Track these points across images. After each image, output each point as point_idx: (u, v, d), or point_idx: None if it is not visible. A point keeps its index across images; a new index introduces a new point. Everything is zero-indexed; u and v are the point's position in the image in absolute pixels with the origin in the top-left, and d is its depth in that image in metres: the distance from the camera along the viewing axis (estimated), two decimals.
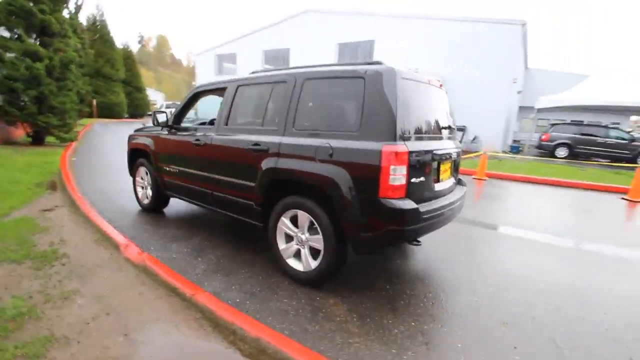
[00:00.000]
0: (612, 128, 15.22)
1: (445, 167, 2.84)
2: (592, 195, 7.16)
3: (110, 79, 23.88)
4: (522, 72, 17.45)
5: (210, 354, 1.83)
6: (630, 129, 20.89)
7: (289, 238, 2.83)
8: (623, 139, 13.87)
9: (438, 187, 2.72)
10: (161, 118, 3.84)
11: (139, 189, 4.59)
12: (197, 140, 3.44)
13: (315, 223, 2.56)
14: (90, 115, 21.27)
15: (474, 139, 16.47)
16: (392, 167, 2.20)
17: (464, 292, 2.71)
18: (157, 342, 1.88)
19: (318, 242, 2.58)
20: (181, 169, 3.72)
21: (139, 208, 4.57)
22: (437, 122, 2.82)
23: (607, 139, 13.94)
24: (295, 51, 22.18)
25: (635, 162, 13.09)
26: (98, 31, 22.98)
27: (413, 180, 2.36)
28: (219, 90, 3.67)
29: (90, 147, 10.13)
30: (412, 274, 2.97)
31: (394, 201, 2.24)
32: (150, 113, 35.25)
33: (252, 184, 2.93)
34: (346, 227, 2.39)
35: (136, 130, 4.73)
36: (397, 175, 2.22)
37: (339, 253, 2.50)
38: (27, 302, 2.15)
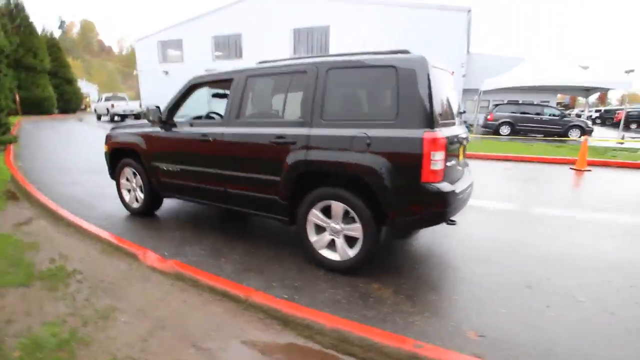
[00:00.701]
0: (545, 106, 17.03)
1: (461, 150, 3.03)
2: (545, 167, 8.06)
3: (33, 70, 21.03)
4: (465, 56, 18.68)
5: (291, 351, 1.83)
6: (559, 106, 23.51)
7: (320, 229, 2.84)
8: (555, 115, 15.62)
9: (459, 168, 2.91)
10: (152, 114, 3.53)
11: (124, 193, 4.23)
12: (204, 135, 3.25)
13: (353, 212, 2.60)
14: (15, 113, 18.63)
15: None
16: (432, 152, 2.31)
17: (479, 262, 2.96)
18: (232, 348, 1.82)
19: (355, 230, 2.63)
20: (183, 167, 3.49)
21: (127, 213, 4.22)
22: (453, 108, 2.97)
23: (542, 116, 15.59)
24: (248, 37, 21.38)
25: (567, 136, 14.88)
26: (16, 15, 19.96)
27: (447, 164, 2.49)
28: (221, 82, 3.49)
29: (32, 150, 8.96)
30: (422, 253, 3.15)
31: (435, 185, 2.36)
32: (83, 108, 31.98)
33: (276, 178, 2.87)
34: (389, 213, 2.47)
35: (114, 129, 4.31)
36: (437, 160, 2.34)
37: (377, 239, 2.58)
38: (64, 327, 1.92)
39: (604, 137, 15.27)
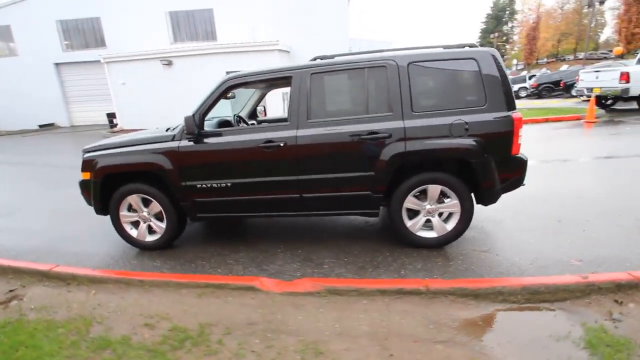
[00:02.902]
0: None
1: None
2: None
3: None
4: (348, 41, 20.23)
5: (503, 315, 2.08)
6: None
7: (413, 213, 3.05)
8: None
9: None
10: (189, 125, 2.92)
11: (128, 227, 3.40)
12: (270, 142, 2.94)
13: (450, 191, 2.91)
14: None
15: None
16: (519, 129, 2.80)
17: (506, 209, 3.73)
18: (463, 333, 1.95)
19: (452, 206, 2.95)
20: (237, 181, 3.07)
21: (130, 248, 3.43)
22: None
23: None
24: (110, 21, 17.93)
25: None
26: None
27: None
28: (269, 81, 3.16)
29: None
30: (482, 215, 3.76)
31: (519, 155, 2.89)
32: None
33: (367, 174, 2.90)
34: (485, 185, 2.87)
35: (95, 150, 3.34)
36: (521, 135, 2.85)
37: (473, 210, 2.98)
38: None
39: None
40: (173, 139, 3.13)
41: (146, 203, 3.33)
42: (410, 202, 2.98)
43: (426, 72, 2.87)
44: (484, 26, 63.09)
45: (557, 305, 2.17)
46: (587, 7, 28.12)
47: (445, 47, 3.01)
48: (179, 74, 15.06)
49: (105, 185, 3.30)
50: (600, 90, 10.91)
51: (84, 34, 18.06)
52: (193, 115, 2.97)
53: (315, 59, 3.09)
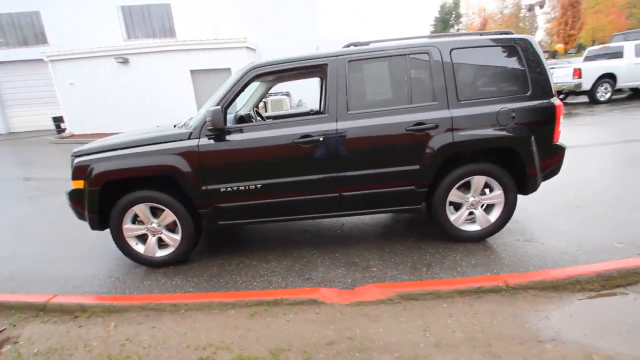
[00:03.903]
0: None
1: None
2: None
3: None
4: (318, 39, 19.90)
5: (591, 304, 2.01)
6: None
7: (456, 206, 2.93)
8: None
9: None
10: (216, 119, 2.53)
11: (133, 242, 2.91)
12: (307, 136, 2.65)
13: (495, 181, 2.82)
14: None
15: (298, 102, 18.20)
16: (560, 117, 2.79)
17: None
18: (568, 326, 1.83)
19: (496, 198, 2.87)
20: (268, 181, 2.73)
21: (134, 265, 2.96)
22: None
23: None
24: (51, 16, 16.14)
25: None
26: None
27: None
28: (303, 70, 2.86)
29: None
30: None
31: (559, 143, 2.87)
32: None
33: (412, 167, 2.73)
34: (531, 172, 2.81)
35: (89, 153, 2.81)
36: (561, 123, 2.83)
37: (516, 201, 2.91)
38: None
39: None
40: (190, 136, 2.72)
41: (155, 213, 2.88)
42: (454, 195, 2.86)
43: (468, 59, 2.75)
44: (433, 29, 66.44)
45: (630, 289, 2.15)
46: (528, 11, 30.66)
47: (481, 34, 2.92)
48: (137, 72, 13.91)
49: (105, 195, 2.79)
50: (557, 86, 11.84)
51: (21, 29, 16.01)
52: (220, 108, 2.58)
53: (348, 46, 2.84)
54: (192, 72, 13.93)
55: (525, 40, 2.77)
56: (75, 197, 2.85)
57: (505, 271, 2.48)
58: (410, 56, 2.71)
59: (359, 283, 2.45)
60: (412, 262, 2.72)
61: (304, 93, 17.74)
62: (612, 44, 12.13)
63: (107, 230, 2.90)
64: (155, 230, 2.89)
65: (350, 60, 2.70)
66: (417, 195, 2.83)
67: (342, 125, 2.66)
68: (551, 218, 3.33)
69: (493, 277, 2.25)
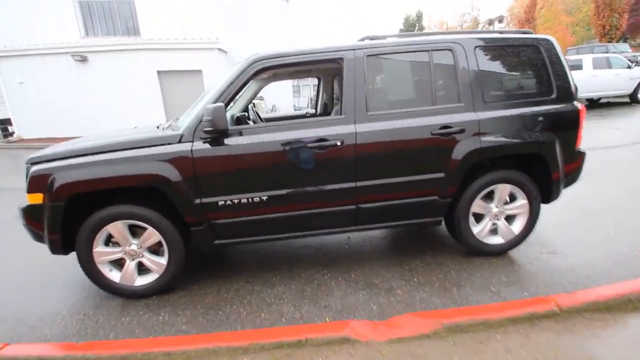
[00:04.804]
0: None
1: None
2: None
3: None
4: (288, 42, 19.57)
5: (630, 327, 1.82)
6: None
7: (478, 218, 2.70)
8: None
9: None
10: (219, 119, 2.11)
11: (106, 269, 2.39)
12: (322, 140, 2.29)
13: (520, 190, 2.62)
14: None
15: (272, 107, 17.73)
16: (583, 121, 2.65)
17: None
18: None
19: (519, 208, 2.67)
20: (277, 192, 2.34)
21: (114, 298, 2.43)
22: None
23: None
24: None
25: None
26: None
27: None
28: (313, 64, 2.50)
29: None
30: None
31: (581, 148, 2.74)
32: None
33: (437, 175, 2.46)
34: (554, 178, 2.64)
35: (51, 160, 2.26)
36: (583, 127, 2.70)
37: (539, 210, 2.73)
38: None
39: None
40: (180, 139, 2.27)
41: (134, 232, 2.38)
42: (477, 205, 2.62)
43: (492, 58, 2.54)
44: None
45: None
46: (489, 24, 32.54)
47: (501, 32, 2.74)
48: (97, 72, 12.82)
49: (70, 211, 2.25)
50: None
51: None
52: (222, 105, 2.15)
53: (364, 39, 2.54)
54: (160, 73, 13.06)
55: (548, 41, 2.62)
56: (31, 215, 2.28)
57: (541, 289, 2.27)
58: (433, 52, 2.46)
59: (386, 310, 2.12)
60: (438, 281, 2.44)
61: (278, 98, 17.39)
62: (571, 57, 12.91)
63: (74, 254, 2.36)
64: (134, 253, 2.38)
65: (369, 55, 2.39)
66: (439, 206, 2.56)
67: (361, 127, 2.34)
68: (565, 226, 3.20)
69: (542, 300, 2.01)
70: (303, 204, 2.41)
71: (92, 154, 2.25)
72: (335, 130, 2.33)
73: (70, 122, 12.47)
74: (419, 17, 65.20)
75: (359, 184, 2.40)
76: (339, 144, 2.31)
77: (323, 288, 2.43)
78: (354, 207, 2.46)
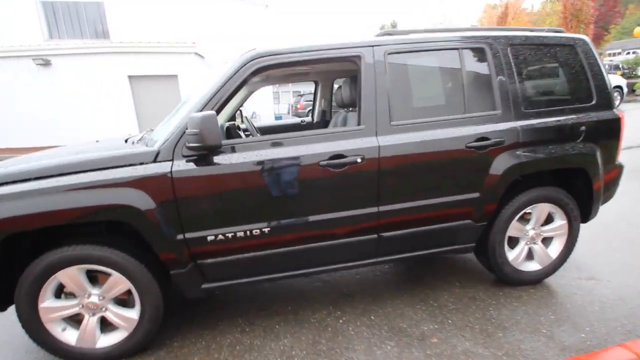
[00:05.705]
0: None
1: None
2: None
3: None
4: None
5: None
6: None
7: (513, 242, 2.34)
8: None
9: None
10: (212, 135, 1.62)
11: (57, 328, 1.82)
12: (339, 157, 1.85)
13: (560, 209, 2.28)
14: None
15: (252, 114, 17.16)
16: (622, 131, 2.36)
17: None
18: None
19: (557, 229, 2.34)
20: (280, 222, 1.87)
21: None
22: None
23: None
24: None
25: None
26: None
27: None
28: (322, 63, 2.06)
29: None
30: None
31: (619, 162, 2.44)
32: None
33: (472, 195, 2.08)
34: (596, 197, 2.32)
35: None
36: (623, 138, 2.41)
37: (578, 232, 2.40)
38: None
39: None
40: (156, 158, 1.75)
41: (94, 277, 1.83)
42: (514, 228, 2.26)
43: (528, 59, 2.19)
44: None
45: None
46: None
47: (532, 30, 2.41)
48: (62, 77, 11.85)
49: (6, 254, 1.68)
50: None
51: None
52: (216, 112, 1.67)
53: (382, 35, 2.13)
54: (131, 78, 12.23)
55: (584, 41, 2.31)
56: None
57: (598, 328, 1.92)
58: (458, 51, 2.08)
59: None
60: (478, 323, 2.03)
61: (257, 104, 16.83)
62: None
63: (12, 309, 1.78)
64: (95, 306, 1.82)
65: (390, 53, 1.98)
66: (473, 231, 2.18)
67: (384, 140, 1.92)
68: (592, 244, 2.90)
69: (617, 349, 1.64)
70: (314, 235, 1.94)
71: (36, 178, 1.69)
72: (354, 144, 1.89)
73: (30, 131, 11.41)
74: (394, 27, 66.83)
75: (382, 208, 1.97)
76: (359, 160, 1.87)
77: (340, 338, 1.97)
78: (375, 236, 2.02)
